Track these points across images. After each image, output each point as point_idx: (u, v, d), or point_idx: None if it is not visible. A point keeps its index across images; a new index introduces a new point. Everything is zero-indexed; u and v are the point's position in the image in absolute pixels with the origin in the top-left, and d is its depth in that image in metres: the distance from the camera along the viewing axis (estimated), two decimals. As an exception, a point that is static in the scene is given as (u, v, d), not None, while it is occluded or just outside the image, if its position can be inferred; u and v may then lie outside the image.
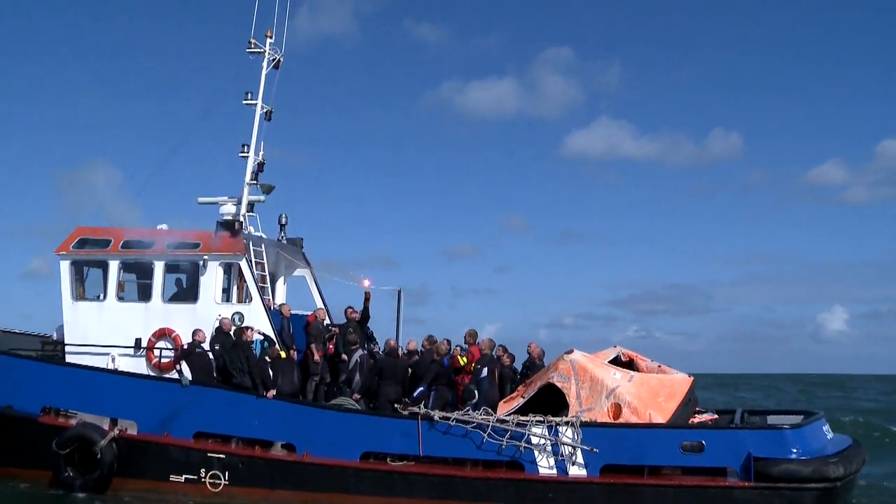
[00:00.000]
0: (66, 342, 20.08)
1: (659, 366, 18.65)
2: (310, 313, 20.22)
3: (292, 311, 20.28)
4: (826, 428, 17.08)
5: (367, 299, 20.07)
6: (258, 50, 21.87)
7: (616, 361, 18.90)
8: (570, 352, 17.77)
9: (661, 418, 16.50)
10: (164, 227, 21.02)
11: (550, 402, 17.34)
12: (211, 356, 18.31)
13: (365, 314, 20.04)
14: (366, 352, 18.53)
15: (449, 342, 19.50)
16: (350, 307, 20.23)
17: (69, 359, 19.76)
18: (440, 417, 16.64)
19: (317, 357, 19.01)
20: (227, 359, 17.90)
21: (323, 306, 22.04)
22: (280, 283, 22.79)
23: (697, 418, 18.00)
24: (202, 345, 18.30)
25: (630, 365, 18.84)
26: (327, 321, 21.02)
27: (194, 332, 18.48)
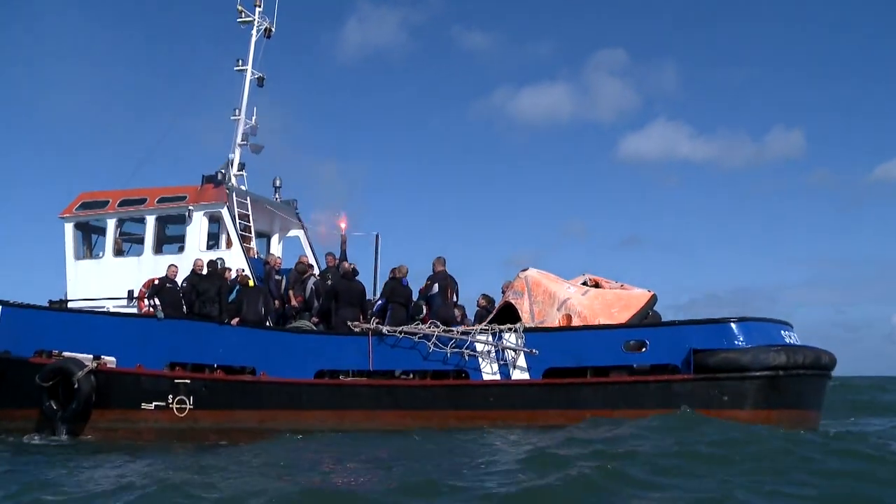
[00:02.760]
0: (68, 299, 21.25)
1: (622, 285, 18.27)
2: None
3: (283, 266, 20.98)
4: (787, 333, 16.27)
5: (343, 242, 20.51)
6: (248, 19, 22.94)
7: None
8: (526, 269, 17.66)
9: None
10: None
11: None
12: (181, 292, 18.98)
13: (342, 257, 20.42)
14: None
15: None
16: (330, 253, 20.71)
17: None
18: (388, 331, 16.74)
19: (293, 302, 19.47)
20: (199, 288, 18.49)
21: (311, 258, 22.53)
22: (275, 242, 23.50)
23: None
24: (174, 279, 19.00)
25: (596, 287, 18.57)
26: (316, 271, 21.50)
27: (168, 268, 19.25)
